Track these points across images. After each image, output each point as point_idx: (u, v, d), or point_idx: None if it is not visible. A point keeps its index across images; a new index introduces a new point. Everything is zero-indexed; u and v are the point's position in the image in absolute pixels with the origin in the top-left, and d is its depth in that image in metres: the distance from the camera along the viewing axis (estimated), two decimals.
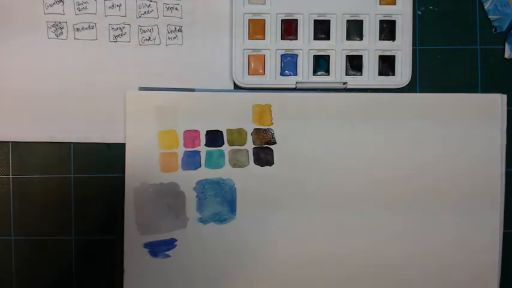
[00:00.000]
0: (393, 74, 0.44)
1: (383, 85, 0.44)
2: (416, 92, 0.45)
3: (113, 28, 0.43)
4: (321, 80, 0.44)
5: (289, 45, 0.44)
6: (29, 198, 0.44)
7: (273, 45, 0.43)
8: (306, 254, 0.44)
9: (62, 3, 0.43)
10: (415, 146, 0.44)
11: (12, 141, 0.43)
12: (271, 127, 0.44)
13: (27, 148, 0.44)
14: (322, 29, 0.44)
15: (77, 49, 0.43)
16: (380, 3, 0.44)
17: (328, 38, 0.44)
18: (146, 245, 0.43)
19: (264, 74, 0.44)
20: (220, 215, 0.43)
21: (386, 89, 0.44)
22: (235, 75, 0.43)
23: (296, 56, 0.44)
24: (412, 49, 0.44)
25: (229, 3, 0.43)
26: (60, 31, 0.43)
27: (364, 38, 0.44)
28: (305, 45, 0.44)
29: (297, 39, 0.44)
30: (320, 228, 0.44)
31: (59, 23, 0.43)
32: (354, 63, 0.44)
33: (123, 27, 0.43)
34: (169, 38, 0.44)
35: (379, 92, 0.44)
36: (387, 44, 0.44)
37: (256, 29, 0.43)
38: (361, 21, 0.44)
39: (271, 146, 0.44)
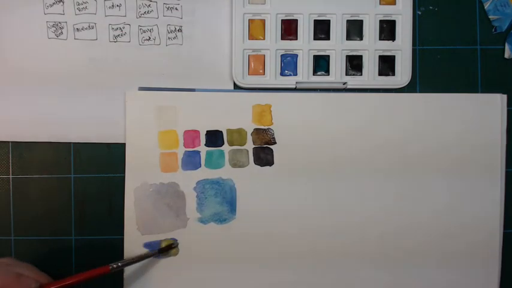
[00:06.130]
0: (393, 74, 0.44)
1: (383, 85, 0.44)
2: (416, 92, 0.45)
3: (113, 28, 0.43)
4: (321, 80, 0.44)
5: (289, 45, 0.44)
6: (29, 198, 0.44)
7: (273, 45, 0.43)
8: (306, 254, 0.44)
9: (62, 3, 0.43)
10: (414, 145, 0.44)
11: (12, 141, 0.44)
12: (271, 127, 0.44)
13: (27, 148, 0.44)
14: (322, 29, 0.44)
15: (77, 49, 0.43)
16: (380, 3, 0.44)
17: (328, 38, 0.44)
18: (146, 245, 0.43)
19: (264, 74, 0.44)
20: (220, 215, 0.43)
21: (386, 89, 0.44)
22: (235, 75, 0.43)
23: (296, 56, 0.44)
24: (412, 49, 0.44)
25: (229, 3, 0.43)
26: (60, 31, 0.43)
27: (364, 38, 0.44)
28: (305, 45, 0.44)
29: (297, 39, 0.44)
30: (320, 227, 0.44)
31: (59, 23, 0.43)
32: (354, 63, 0.44)
33: (123, 27, 0.43)
34: (169, 38, 0.44)
35: (379, 92, 0.44)
36: (387, 44, 0.44)
37: (256, 29, 0.43)
38: (361, 21, 0.44)
39: (271, 146, 0.44)
